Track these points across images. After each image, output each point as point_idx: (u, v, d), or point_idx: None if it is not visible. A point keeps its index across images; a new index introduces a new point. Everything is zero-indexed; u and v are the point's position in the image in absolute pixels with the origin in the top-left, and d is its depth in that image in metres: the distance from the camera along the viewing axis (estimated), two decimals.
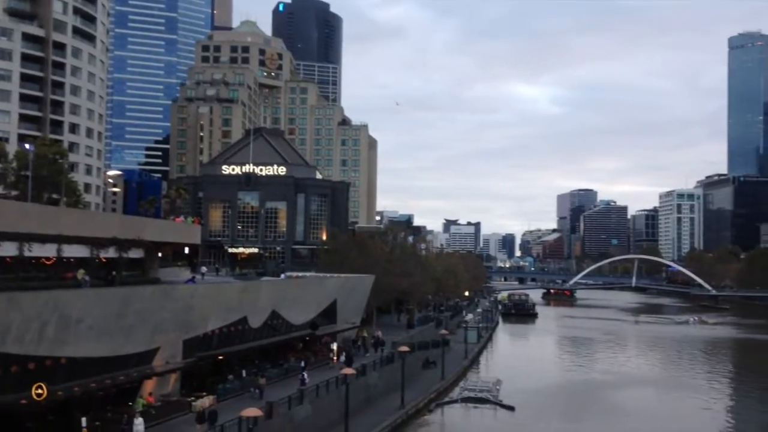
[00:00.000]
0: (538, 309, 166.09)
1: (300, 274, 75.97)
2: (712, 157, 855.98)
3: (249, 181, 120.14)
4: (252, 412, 32.26)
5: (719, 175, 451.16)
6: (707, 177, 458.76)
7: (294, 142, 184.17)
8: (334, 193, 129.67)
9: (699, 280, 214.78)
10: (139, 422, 34.49)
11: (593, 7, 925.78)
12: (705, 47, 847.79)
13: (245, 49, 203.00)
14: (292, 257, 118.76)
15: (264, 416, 35.55)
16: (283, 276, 74.30)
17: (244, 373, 49.69)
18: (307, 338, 61.79)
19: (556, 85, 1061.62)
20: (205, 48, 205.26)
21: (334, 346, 63.36)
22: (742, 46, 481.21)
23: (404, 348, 57.21)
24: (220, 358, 48.17)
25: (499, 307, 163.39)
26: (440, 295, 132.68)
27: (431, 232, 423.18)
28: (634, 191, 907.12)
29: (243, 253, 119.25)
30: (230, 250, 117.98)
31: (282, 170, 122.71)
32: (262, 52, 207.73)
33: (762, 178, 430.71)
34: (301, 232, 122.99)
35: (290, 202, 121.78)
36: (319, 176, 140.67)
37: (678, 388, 73.29)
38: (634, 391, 71.70)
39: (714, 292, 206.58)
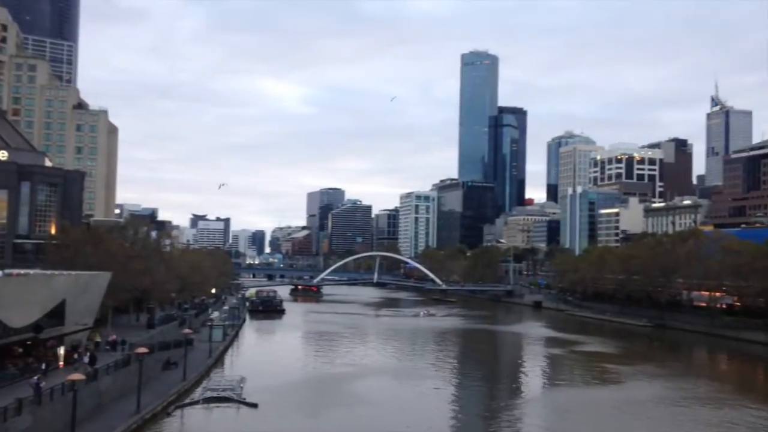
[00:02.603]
0: (286, 305, 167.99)
1: (22, 271, 67.59)
2: (446, 162, 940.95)
3: None
4: None
5: (451, 179, 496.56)
6: (441, 181, 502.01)
7: (19, 125, 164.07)
8: (66, 183, 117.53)
9: (432, 276, 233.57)
10: None
11: (340, 11, 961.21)
12: (440, 60, 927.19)
13: None
14: (13, 253, 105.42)
15: None
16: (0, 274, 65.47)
17: None
18: (29, 342, 55.23)
19: (306, 85, 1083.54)
20: None
21: (62, 350, 57.56)
22: (472, 63, 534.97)
23: (142, 349, 53.74)
24: None
25: (247, 304, 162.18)
26: (185, 293, 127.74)
27: (177, 227, 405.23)
28: (379, 191, 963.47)
29: None
30: None
31: (3, 155, 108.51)
32: None
33: (486, 184, 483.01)
34: (25, 225, 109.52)
35: (12, 191, 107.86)
36: (48, 163, 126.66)
37: (411, 376, 78.62)
38: (374, 381, 75.41)
39: (444, 286, 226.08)
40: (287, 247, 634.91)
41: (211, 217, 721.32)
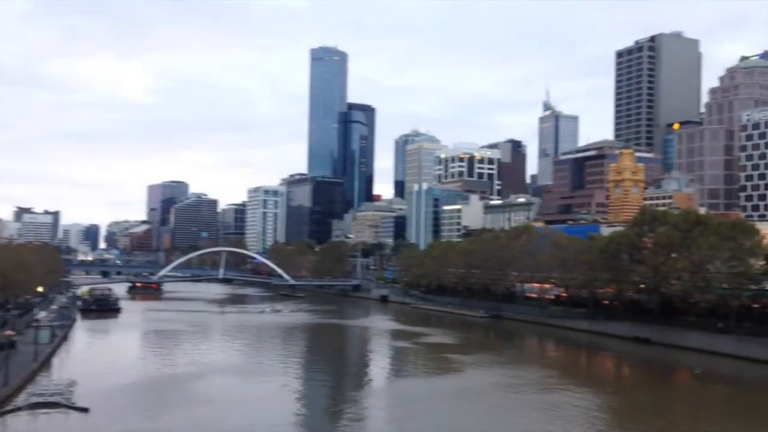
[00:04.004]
0: (123, 303, 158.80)
1: None
2: (295, 157, 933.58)
3: None
4: None
5: (300, 174, 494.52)
6: (290, 176, 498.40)
7: None
8: None
9: (280, 271, 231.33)
10: None
11: None
12: (289, 54, 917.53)
13: None
14: None
15: None
16: None
17: None
18: None
19: (147, 73, 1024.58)
20: None
21: None
22: (322, 58, 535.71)
23: None
24: None
25: (79, 302, 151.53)
26: (7, 292, 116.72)
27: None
28: (225, 185, 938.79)
29: None
30: None
31: None
32: None
33: (335, 179, 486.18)
34: None
35: None
36: None
37: (258, 373, 77.16)
38: (218, 380, 73.05)
39: (292, 281, 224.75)
40: (125, 243, 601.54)
41: (38, 209, 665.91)
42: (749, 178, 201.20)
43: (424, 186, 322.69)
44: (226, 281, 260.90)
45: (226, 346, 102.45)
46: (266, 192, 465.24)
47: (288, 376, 76.50)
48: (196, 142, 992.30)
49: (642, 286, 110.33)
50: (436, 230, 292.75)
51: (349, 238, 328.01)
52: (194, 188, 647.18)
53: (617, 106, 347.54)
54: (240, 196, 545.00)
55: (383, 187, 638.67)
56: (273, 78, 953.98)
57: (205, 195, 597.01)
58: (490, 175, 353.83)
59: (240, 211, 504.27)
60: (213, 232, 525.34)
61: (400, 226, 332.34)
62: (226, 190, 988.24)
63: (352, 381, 78.14)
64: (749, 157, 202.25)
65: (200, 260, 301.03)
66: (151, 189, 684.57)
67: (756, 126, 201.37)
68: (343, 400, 65.95)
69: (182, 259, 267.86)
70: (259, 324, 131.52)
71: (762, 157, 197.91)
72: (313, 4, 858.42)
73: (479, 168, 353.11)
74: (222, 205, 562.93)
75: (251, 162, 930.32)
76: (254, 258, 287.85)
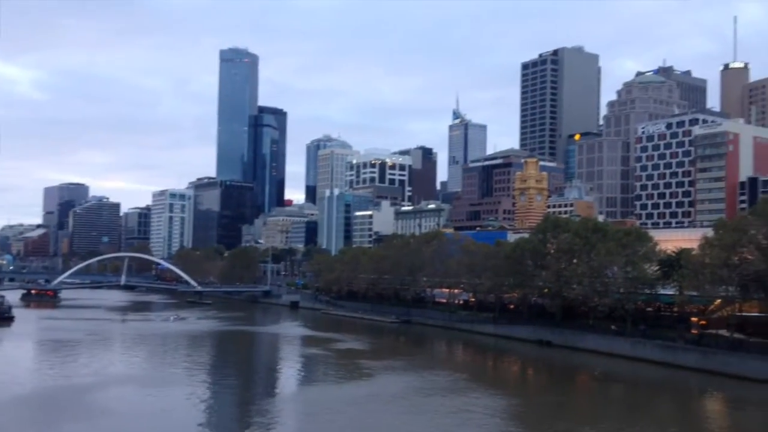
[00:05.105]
0: (17, 311, 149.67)
1: None
2: (203, 160, 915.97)
3: None
4: None
5: (209, 178, 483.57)
6: (198, 179, 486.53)
7: None
8: None
9: (186, 277, 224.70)
10: None
11: None
12: (196, 54, 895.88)
13: None
14: None
15: None
16: None
17: None
18: None
19: (41, 69, 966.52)
20: None
21: None
22: (231, 60, 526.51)
23: None
24: None
25: None
26: None
27: None
28: (128, 188, 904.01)
29: None
30: None
31: None
32: None
33: (245, 183, 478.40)
34: None
35: None
36: None
37: (162, 384, 74.53)
38: (119, 391, 70.08)
39: (199, 288, 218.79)
40: (18, 248, 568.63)
41: None
42: (644, 187, 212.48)
43: (336, 191, 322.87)
44: (128, 288, 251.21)
45: (128, 355, 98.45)
46: (173, 195, 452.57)
47: (193, 386, 74.22)
48: (95, 143, 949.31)
49: (545, 290, 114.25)
50: (348, 236, 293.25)
51: (260, 243, 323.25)
52: (95, 191, 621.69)
53: (523, 116, 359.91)
54: (144, 200, 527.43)
55: (295, 192, 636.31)
56: (177, 78, 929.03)
57: (107, 198, 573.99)
58: (402, 181, 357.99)
59: (144, 215, 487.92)
60: (115, 237, 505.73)
61: (311, 231, 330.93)
62: (130, 194, 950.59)
63: (260, 389, 76.77)
64: (644, 168, 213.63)
65: (101, 266, 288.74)
66: (48, 191, 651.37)
67: (650, 138, 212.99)
68: (251, 409, 64.61)
69: (81, 265, 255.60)
70: (163, 332, 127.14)
71: (655, 167, 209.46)
72: (217, 4, 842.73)
73: (390, 174, 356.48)
74: (125, 209, 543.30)
75: (156, 164, 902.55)
76: (159, 264, 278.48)
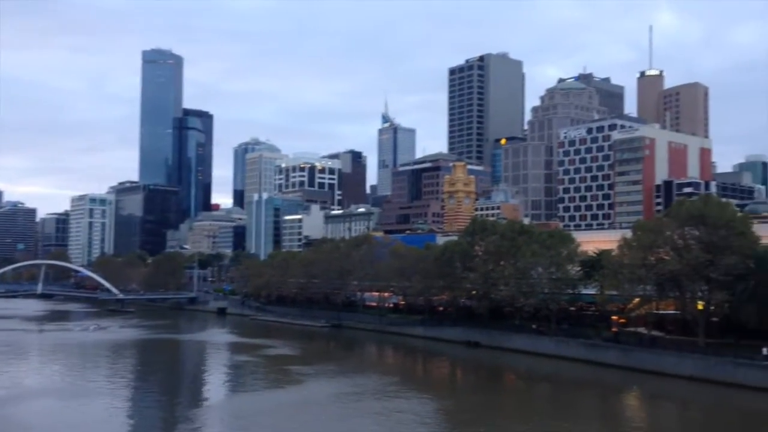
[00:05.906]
0: None
1: None
2: (124, 163, 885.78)
3: None
4: None
5: (131, 182, 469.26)
6: (120, 183, 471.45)
7: None
8: None
9: (107, 285, 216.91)
10: None
11: None
12: (116, 55, 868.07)
13: None
14: None
15: None
16: None
17: None
18: None
19: None
20: None
21: None
22: (154, 61, 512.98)
23: None
24: None
25: None
26: None
27: None
28: (45, 193, 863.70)
29: None
30: None
31: None
32: None
33: (170, 188, 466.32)
34: None
35: None
36: None
37: (82, 395, 71.46)
38: (37, 404, 66.84)
39: (121, 295, 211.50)
40: None
41: None
42: (566, 190, 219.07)
43: (265, 195, 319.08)
44: (46, 297, 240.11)
45: (46, 367, 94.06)
46: (92, 200, 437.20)
47: (116, 397, 71.58)
48: (7, 146, 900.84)
49: (473, 292, 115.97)
50: (277, 240, 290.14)
51: (185, 248, 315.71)
52: (9, 196, 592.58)
53: (450, 120, 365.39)
54: (62, 205, 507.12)
55: (222, 197, 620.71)
56: (95, 79, 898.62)
57: (22, 203, 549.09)
58: (331, 185, 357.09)
59: (62, 221, 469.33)
60: (31, 244, 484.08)
61: (239, 236, 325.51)
62: (47, 199, 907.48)
63: (186, 399, 74.68)
64: (566, 171, 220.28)
65: (16, 274, 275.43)
66: None
67: (572, 143, 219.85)
68: (176, 419, 62.70)
69: None
70: (82, 342, 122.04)
71: (577, 171, 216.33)
72: (140, 4, 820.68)
73: (320, 178, 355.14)
74: (42, 215, 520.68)
75: (75, 168, 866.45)
76: (78, 271, 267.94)
